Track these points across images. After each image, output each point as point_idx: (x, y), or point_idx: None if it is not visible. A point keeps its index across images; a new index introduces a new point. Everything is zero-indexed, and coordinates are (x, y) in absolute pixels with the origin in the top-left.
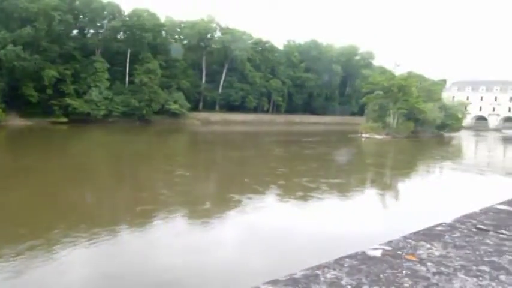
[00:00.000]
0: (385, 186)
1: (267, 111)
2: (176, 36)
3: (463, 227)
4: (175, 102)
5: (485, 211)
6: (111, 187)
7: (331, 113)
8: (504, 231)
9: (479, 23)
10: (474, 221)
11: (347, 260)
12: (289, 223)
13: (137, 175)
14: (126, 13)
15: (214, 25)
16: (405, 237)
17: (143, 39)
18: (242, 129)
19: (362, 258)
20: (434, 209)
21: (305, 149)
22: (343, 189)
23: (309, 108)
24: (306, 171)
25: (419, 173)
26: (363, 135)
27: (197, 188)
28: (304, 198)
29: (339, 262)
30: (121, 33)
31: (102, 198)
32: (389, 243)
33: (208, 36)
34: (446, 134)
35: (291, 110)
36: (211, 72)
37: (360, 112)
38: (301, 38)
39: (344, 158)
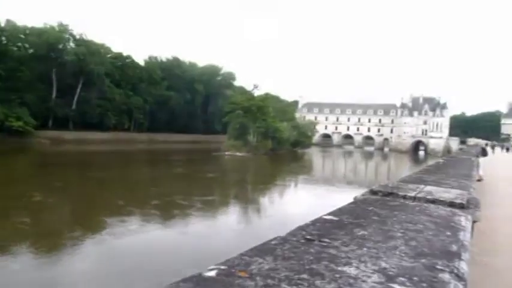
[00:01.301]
0: (249, 200)
1: (128, 130)
2: (19, 44)
3: (294, 239)
4: (17, 118)
5: (314, 222)
6: None
7: (195, 132)
8: (326, 240)
9: (324, 51)
10: (304, 232)
11: (182, 284)
12: (163, 243)
13: None
14: None
15: (66, 35)
16: (241, 254)
17: None
18: (101, 148)
19: (197, 280)
20: (288, 219)
21: (172, 167)
22: (213, 205)
23: (172, 126)
24: (176, 189)
25: (278, 187)
26: (226, 153)
27: (63, 214)
28: (179, 216)
29: None
30: None
31: None
32: (226, 262)
33: (60, 46)
34: (299, 150)
35: (154, 128)
36: (63, 86)
37: (223, 131)
38: (163, 53)
39: (211, 175)
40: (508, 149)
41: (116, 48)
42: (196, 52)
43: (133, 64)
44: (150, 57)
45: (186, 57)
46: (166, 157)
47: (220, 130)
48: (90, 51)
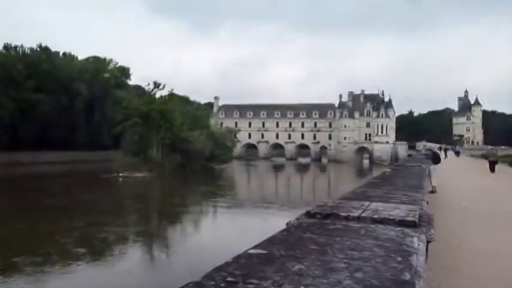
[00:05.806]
0: (156, 238)
1: None
2: None
3: (212, 283)
4: None
5: (237, 258)
6: None
7: (76, 148)
8: (253, 280)
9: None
10: (224, 274)
11: None
12: None
13: None
14: None
15: None
16: None
17: None
18: None
19: None
20: (203, 258)
21: (46, 198)
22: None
23: (44, 142)
24: (59, 228)
25: (198, 215)
26: (120, 174)
27: None
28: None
29: None
30: None
31: None
32: None
33: None
34: (217, 166)
35: (17, 145)
36: None
37: (115, 145)
38: (26, 42)
39: (103, 207)
40: (458, 153)
41: None
42: (77, 41)
43: None
44: (6, 47)
45: (60, 47)
46: (37, 184)
47: (112, 144)
48: None
